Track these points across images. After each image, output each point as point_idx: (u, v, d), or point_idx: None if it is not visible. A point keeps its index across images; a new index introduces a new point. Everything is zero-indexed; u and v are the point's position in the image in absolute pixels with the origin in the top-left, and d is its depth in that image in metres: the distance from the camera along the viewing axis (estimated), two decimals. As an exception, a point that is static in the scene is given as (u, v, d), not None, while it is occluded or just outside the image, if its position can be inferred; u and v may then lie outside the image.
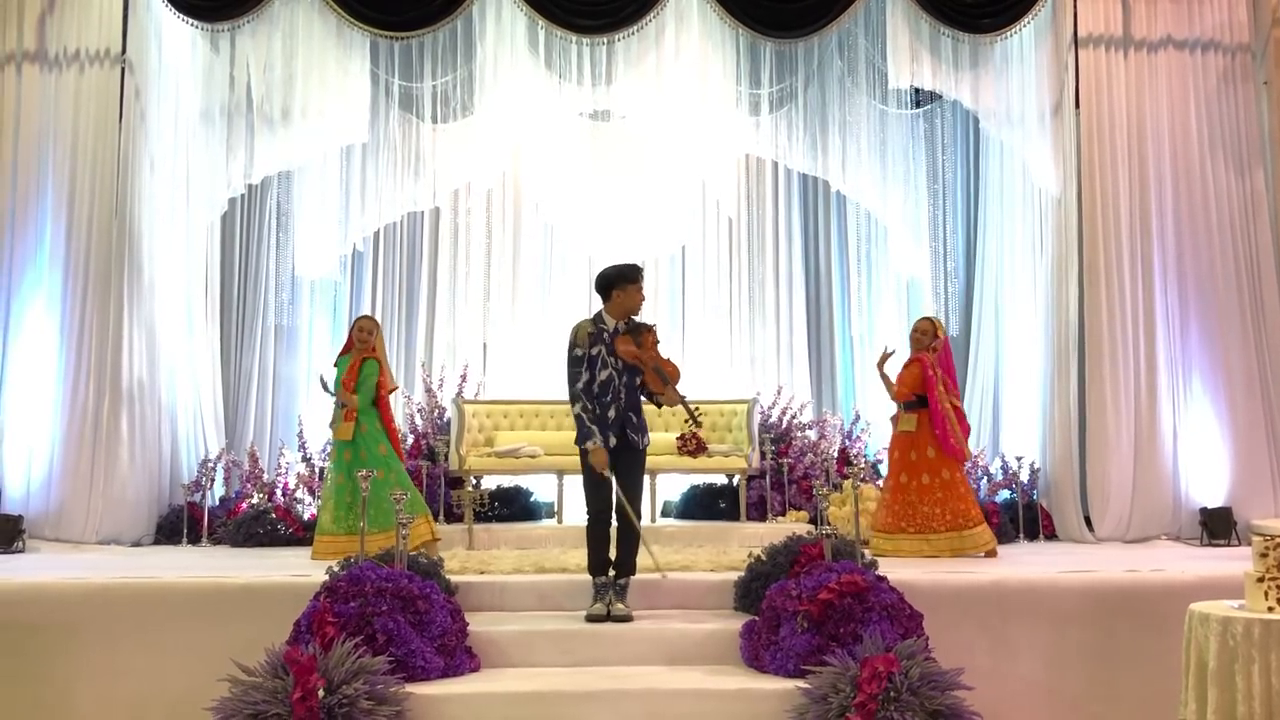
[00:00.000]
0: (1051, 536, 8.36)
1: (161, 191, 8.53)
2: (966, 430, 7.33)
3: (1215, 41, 8.65)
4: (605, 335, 5.46)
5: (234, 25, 8.46)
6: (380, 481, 6.50)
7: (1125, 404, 8.20)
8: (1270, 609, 3.94)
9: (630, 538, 5.43)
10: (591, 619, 5.26)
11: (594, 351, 5.46)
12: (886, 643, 4.45)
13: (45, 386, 8.05)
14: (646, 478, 7.67)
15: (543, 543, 7.36)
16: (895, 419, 7.29)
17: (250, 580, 5.69)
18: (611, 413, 5.43)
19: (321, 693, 4.16)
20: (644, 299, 5.57)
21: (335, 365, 7.23)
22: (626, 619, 5.27)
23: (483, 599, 5.61)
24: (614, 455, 5.42)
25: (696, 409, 5.57)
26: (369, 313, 9.83)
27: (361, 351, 7.01)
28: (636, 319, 5.54)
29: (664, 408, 5.72)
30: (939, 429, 7.03)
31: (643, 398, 5.55)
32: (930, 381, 7.07)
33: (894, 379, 7.28)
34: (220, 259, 9.48)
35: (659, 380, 5.42)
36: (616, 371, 5.44)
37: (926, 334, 7.28)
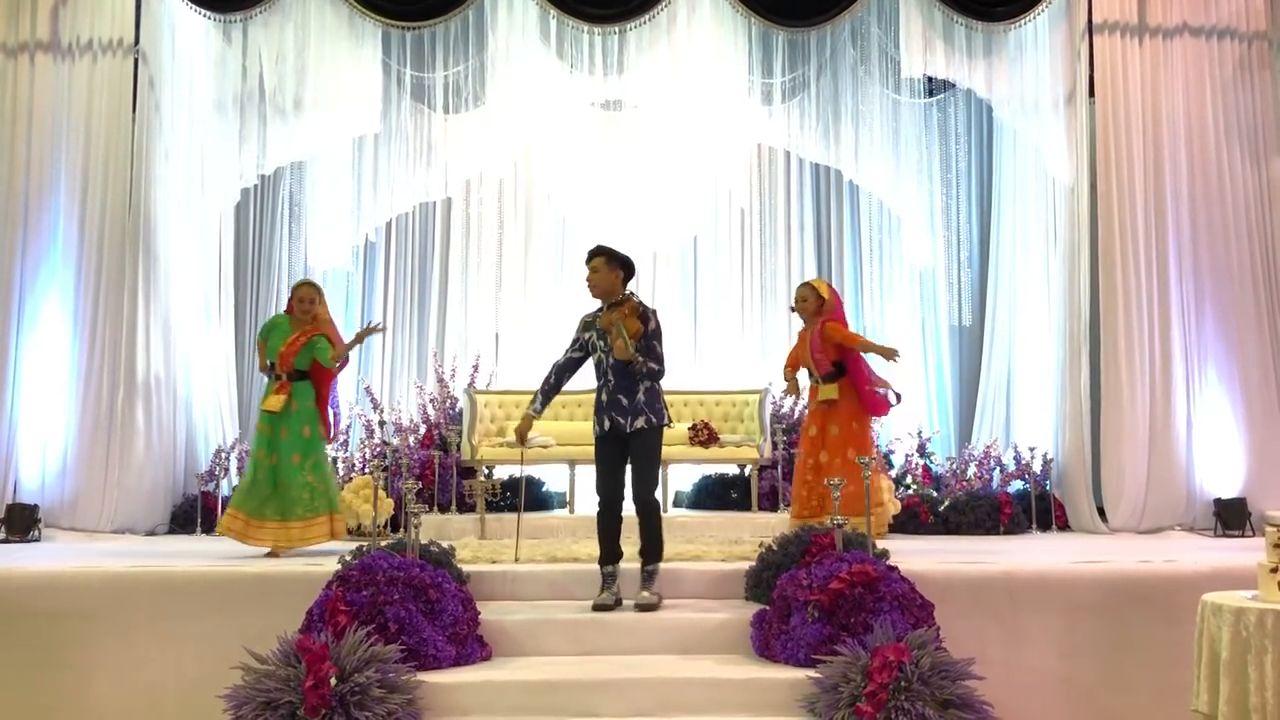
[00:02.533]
0: (1064, 527, 8.33)
1: (175, 182, 8.57)
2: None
3: (1231, 29, 8.58)
4: (595, 320, 5.56)
5: (246, 16, 8.49)
6: (294, 468, 6.44)
7: (1140, 394, 8.16)
8: (1284, 599, 3.92)
9: (649, 524, 5.41)
10: (597, 608, 5.27)
11: (585, 336, 5.59)
12: (897, 632, 4.45)
13: (60, 377, 8.10)
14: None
15: (554, 532, 7.38)
16: (812, 391, 6.70)
17: (263, 569, 5.73)
18: (603, 396, 5.48)
19: (333, 681, 4.19)
20: (590, 279, 5.54)
21: (264, 334, 6.79)
22: (649, 607, 5.25)
23: (494, 588, 5.62)
24: (610, 441, 5.45)
25: (635, 364, 5.35)
26: (381, 304, 9.91)
27: (303, 323, 6.62)
28: (625, 297, 5.53)
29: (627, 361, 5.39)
30: (864, 391, 6.53)
31: (645, 384, 5.46)
32: (851, 337, 6.64)
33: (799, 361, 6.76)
34: (233, 249, 9.51)
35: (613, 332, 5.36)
36: (605, 353, 5.47)
37: (808, 301, 6.67)
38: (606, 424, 5.44)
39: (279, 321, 6.78)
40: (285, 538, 6.41)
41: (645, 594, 5.34)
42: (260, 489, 6.47)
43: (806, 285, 6.82)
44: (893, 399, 6.70)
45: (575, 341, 5.64)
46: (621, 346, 5.34)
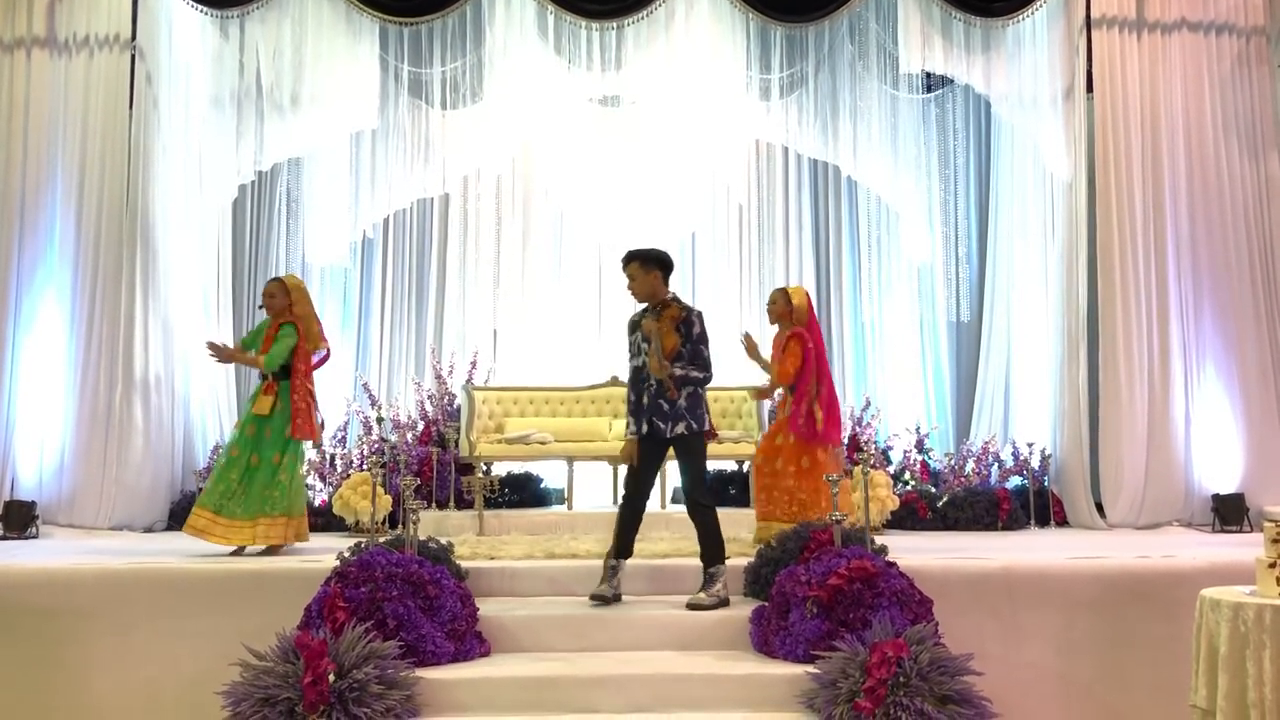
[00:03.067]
0: (1063, 523, 8.34)
1: (174, 179, 8.55)
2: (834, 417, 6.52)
3: (1230, 24, 8.57)
4: (641, 320, 5.52)
5: (243, 11, 8.47)
6: (274, 467, 6.41)
7: (1138, 389, 8.16)
8: (1282, 595, 3.93)
9: (704, 527, 5.39)
10: (594, 598, 5.30)
11: (632, 338, 5.57)
12: (896, 628, 4.45)
13: (57, 374, 8.10)
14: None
15: (553, 529, 7.39)
16: (781, 404, 6.67)
17: (261, 566, 5.72)
18: (645, 400, 5.45)
19: (332, 677, 4.18)
20: (630, 287, 5.54)
21: (249, 339, 6.81)
22: (696, 606, 5.21)
23: (493, 584, 5.63)
24: (647, 444, 5.44)
25: (667, 389, 5.37)
26: (379, 300, 9.90)
27: (278, 317, 6.59)
28: (669, 300, 5.50)
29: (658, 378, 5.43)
30: (796, 408, 6.36)
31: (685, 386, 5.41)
32: (806, 357, 6.41)
33: (767, 359, 6.74)
34: (231, 246, 9.49)
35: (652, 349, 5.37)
36: (646, 356, 5.45)
37: (776, 304, 6.61)
38: (645, 427, 5.42)
39: (262, 323, 6.78)
40: (251, 536, 6.33)
41: (700, 594, 5.29)
42: (234, 488, 6.39)
43: (779, 290, 6.77)
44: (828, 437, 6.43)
45: (630, 347, 5.59)
46: (655, 365, 5.33)
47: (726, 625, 5.13)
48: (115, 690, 5.37)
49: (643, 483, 5.49)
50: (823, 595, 4.68)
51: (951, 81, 9.45)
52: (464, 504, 8.09)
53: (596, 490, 8.60)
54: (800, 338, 6.47)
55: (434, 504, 8.13)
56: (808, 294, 6.75)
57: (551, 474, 8.73)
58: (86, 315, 8.13)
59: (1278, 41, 8.66)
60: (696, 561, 5.89)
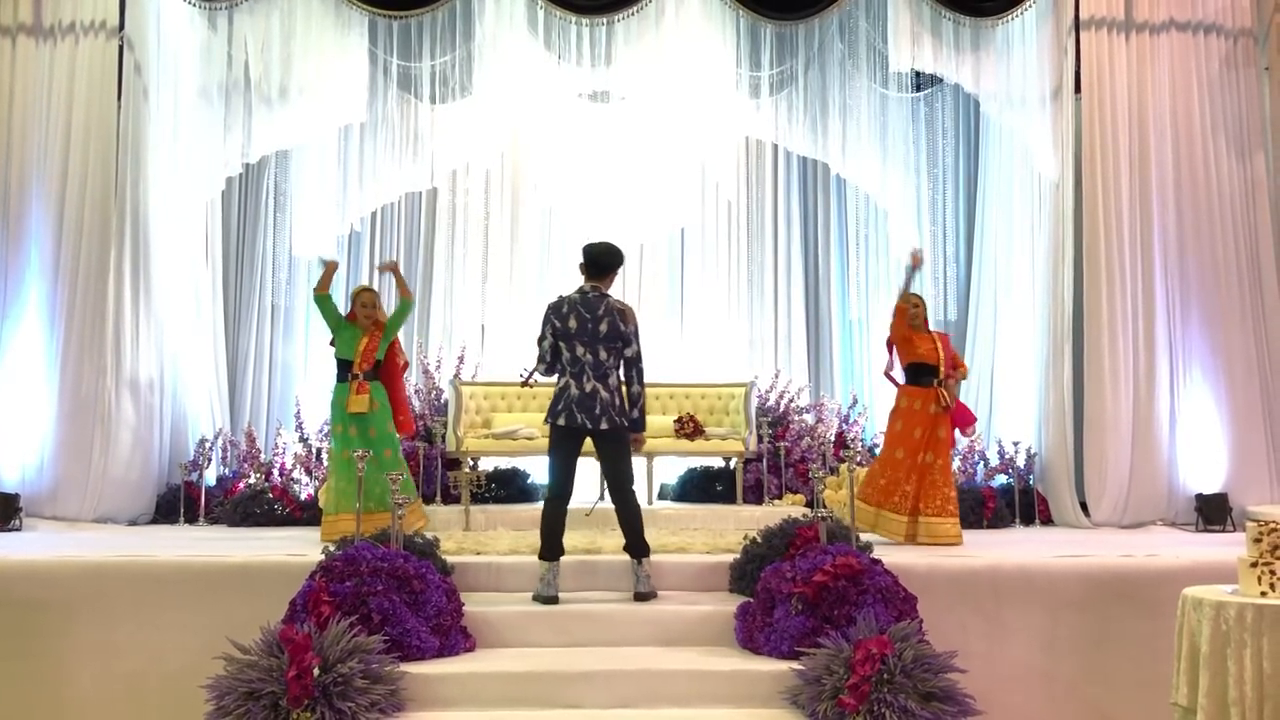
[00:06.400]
0: (1048, 521, 8.38)
1: (162, 170, 8.50)
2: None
3: (1217, 25, 8.62)
4: None
5: (231, 3, 8.42)
6: (389, 462, 6.55)
7: (1123, 389, 8.20)
8: (1263, 594, 3.95)
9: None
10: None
11: None
12: (880, 625, 4.46)
13: (40, 366, 8.04)
14: (643, 460, 7.81)
15: (539, 524, 7.34)
16: (929, 393, 6.87)
17: (247, 559, 5.70)
18: None
19: (316, 671, 4.17)
20: None
21: (337, 339, 6.85)
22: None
23: (479, 579, 5.62)
24: None
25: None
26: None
27: (368, 328, 6.78)
28: None
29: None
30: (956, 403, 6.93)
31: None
32: (950, 350, 6.98)
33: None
34: (220, 239, 9.44)
35: None
36: None
37: (920, 309, 6.93)
38: None
39: (347, 328, 6.83)
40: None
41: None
42: (353, 487, 6.39)
43: (918, 295, 7.11)
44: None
45: None
46: None
47: (712, 621, 5.15)
48: (98, 683, 5.34)
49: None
50: (808, 592, 4.69)
51: (941, 80, 9.47)
52: (450, 499, 8.08)
53: (583, 486, 8.57)
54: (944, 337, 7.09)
55: (420, 499, 8.10)
56: None
57: (538, 469, 8.68)
58: (73, 306, 8.06)
59: (1264, 43, 8.71)
60: (683, 557, 6.02)
